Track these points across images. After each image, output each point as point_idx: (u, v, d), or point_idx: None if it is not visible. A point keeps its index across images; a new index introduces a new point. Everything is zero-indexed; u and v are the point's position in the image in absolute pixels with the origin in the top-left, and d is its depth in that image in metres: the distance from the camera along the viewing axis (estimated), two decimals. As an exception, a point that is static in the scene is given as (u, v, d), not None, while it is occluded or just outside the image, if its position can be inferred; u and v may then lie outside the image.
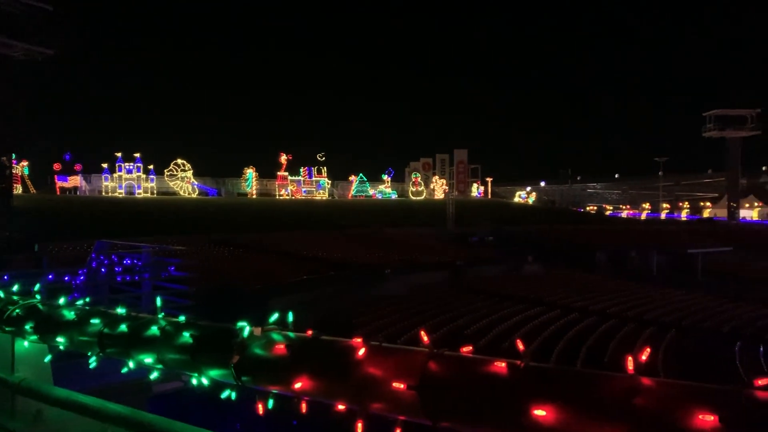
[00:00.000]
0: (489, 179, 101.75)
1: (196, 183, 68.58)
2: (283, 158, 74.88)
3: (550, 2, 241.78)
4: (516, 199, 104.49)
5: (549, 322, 29.88)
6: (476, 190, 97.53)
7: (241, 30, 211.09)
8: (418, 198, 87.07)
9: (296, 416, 2.80)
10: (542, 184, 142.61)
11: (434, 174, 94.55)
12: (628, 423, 1.72)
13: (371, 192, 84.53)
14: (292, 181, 76.07)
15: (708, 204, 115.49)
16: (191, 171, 67.97)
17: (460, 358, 2.18)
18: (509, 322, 28.75)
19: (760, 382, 1.62)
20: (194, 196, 67.23)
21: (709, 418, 1.58)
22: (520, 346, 2.07)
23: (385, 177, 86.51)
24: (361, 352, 2.34)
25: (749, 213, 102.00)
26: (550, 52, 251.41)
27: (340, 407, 2.43)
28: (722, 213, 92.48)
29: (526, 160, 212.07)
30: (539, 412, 1.82)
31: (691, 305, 35.85)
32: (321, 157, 77.00)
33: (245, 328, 2.93)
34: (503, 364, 2.01)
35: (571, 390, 1.87)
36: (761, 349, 27.75)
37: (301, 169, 76.92)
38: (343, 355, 2.43)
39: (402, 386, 2.15)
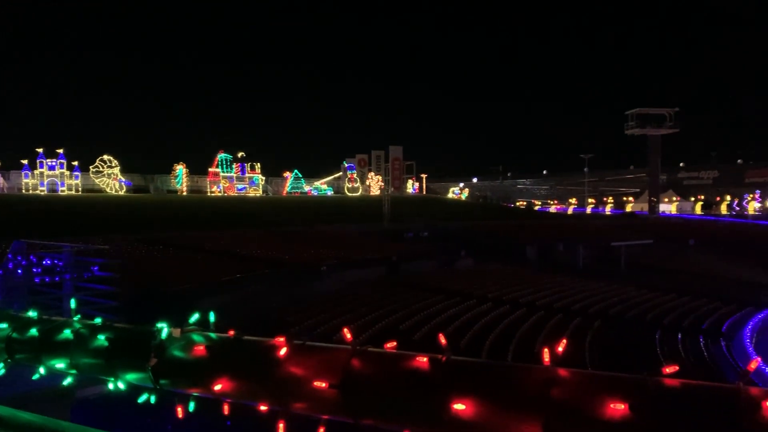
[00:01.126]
0: (424, 176, 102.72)
1: (123, 180, 66.11)
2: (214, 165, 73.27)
3: (477, 3, 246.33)
4: (450, 195, 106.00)
5: (481, 314, 30.51)
6: (411, 187, 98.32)
7: (173, 28, 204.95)
8: (354, 194, 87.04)
9: (229, 417, 2.72)
10: (475, 180, 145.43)
11: (370, 170, 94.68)
12: (543, 413, 1.76)
13: (306, 189, 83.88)
14: (224, 177, 74.48)
15: (630, 199, 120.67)
16: (118, 167, 65.44)
17: (383, 355, 2.17)
18: (443, 316, 29.19)
19: (668, 369, 1.68)
20: (122, 193, 64.80)
21: (619, 407, 1.63)
22: (442, 340, 2.08)
23: (346, 168, 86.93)
24: (283, 351, 2.30)
25: (668, 207, 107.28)
26: (481, 51, 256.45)
27: (263, 408, 2.37)
28: (644, 207, 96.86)
29: (460, 157, 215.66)
30: (459, 406, 1.83)
31: (616, 296, 37.38)
32: (242, 157, 76.02)
33: (163, 329, 2.82)
34: (425, 360, 2.01)
35: (490, 383, 1.90)
36: (679, 336, 29.31)
37: (234, 165, 75.41)
38: (265, 355, 2.37)
39: (324, 385, 2.12)
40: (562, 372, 1.83)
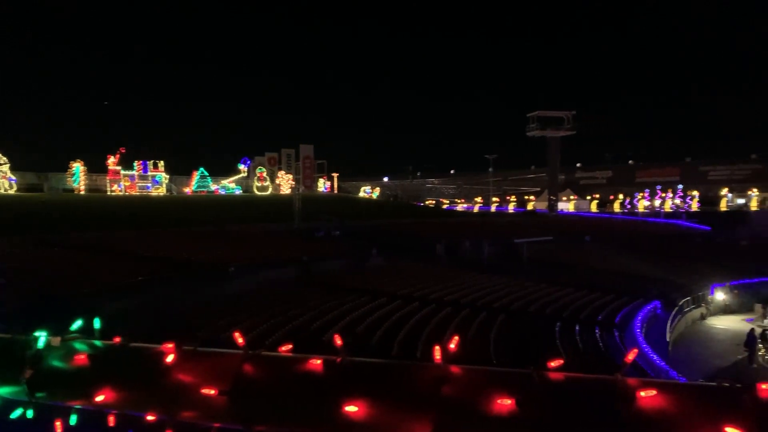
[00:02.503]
0: (335, 174, 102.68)
1: (13, 178, 61.68)
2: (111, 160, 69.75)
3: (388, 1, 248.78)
4: (361, 194, 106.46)
5: (392, 312, 30.79)
6: (322, 186, 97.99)
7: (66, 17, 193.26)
8: (264, 193, 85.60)
9: (114, 429, 2.55)
10: (386, 179, 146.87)
11: (280, 169, 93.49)
12: (434, 411, 1.77)
13: (213, 187, 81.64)
14: (125, 175, 71.15)
15: (532, 197, 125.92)
16: (8, 165, 61.00)
17: (277, 359, 2.10)
18: (354, 315, 29.21)
19: (553, 363, 1.74)
20: (12, 192, 60.44)
21: (506, 402, 1.67)
22: (338, 341, 2.05)
23: (241, 167, 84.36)
24: (170, 358, 2.17)
25: (567, 205, 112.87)
26: (395, 49, 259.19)
27: (150, 418, 2.24)
28: (544, 205, 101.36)
29: (371, 155, 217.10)
30: (351, 408, 1.81)
31: (518, 291, 38.79)
32: (146, 152, 73.20)
33: (41, 338, 2.60)
34: (319, 362, 1.97)
35: (383, 383, 1.89)
36: (577, 328, 30.84)
37: (135, 163, 72.21)
38: (152, 362, 2.24)
39: (213, 392, 2.03)
40: (454, 369, 1.85)
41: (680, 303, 36.40)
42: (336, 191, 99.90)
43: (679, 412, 1.73)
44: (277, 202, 74.18)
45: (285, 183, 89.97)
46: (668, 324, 32.76)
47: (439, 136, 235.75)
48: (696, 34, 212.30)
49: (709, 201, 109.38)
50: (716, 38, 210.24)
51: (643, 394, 1.73)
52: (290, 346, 2.27)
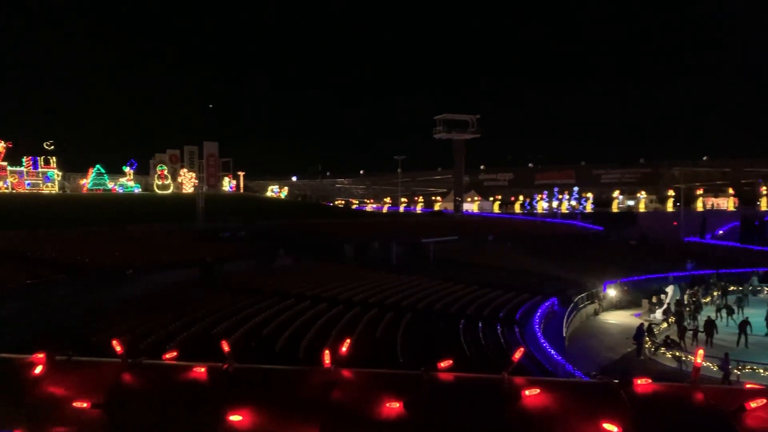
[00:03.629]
0: (241, 173, 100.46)
1: None
2: (1, 145, 64.82)
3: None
4: (269, 194, 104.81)
5: (299, 313, 30.45)
6: (228, 184, 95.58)
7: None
8: (165, 192, 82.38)
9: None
10: (294, 179, 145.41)
11: (182, 167, 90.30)
12: (322, 417, 1.72)
13: (111, 185, 77.71)
14: (12, 172, 66.28)
15: (438, 198, 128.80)
16: None
17: (159, 367, 1.97)
18: (259, 318, 28.64)
19: (443, 364, 1.73)
20: None
21: (394, 405, 1.64)
22: (225, 347, 1.95)
23: (126, 169, 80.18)
24: (38, 369, 1.98)
25: (471, 206, 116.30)
26: (304, 47, 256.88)
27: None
28: (450, 206, 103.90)
29: (279, 154, 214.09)
30: (235, 417, 1.72)
31: (425, 289, 39.50)
32: (48, 146, 68.38)
33: None
34: (203, 369, 1.86)
35: (272, 389, 1.81)
36: (480, 324, 31.77)
37: (24, 159, 67.43)
38: (19, 374, 2.03)
39: (85, 405, 1.87)
40: (344, 373, 1.80)
41: (575, 299, 38.30)
42: (242, 190, 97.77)
43: (560, 410, 1.77)
44: (179, 201, 71.59)
45: (188, 181, 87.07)
46: (565, 319, 34.38)
47: (348, 137, 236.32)
48: (590, 43, 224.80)
49: (602, 203, 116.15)
50: (610, 48, 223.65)
51: (527, 393, 1.76)
52: (175, 354, 2.14)
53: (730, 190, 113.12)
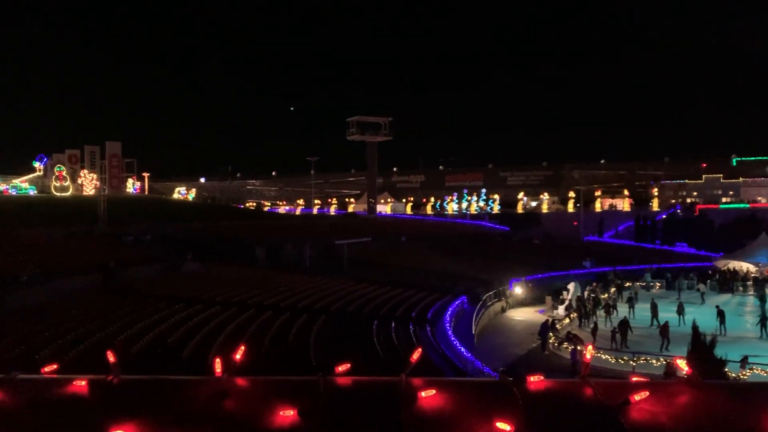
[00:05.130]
0: (146, 174, 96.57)
1: None
2: None
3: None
4: (176, 196, 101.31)
5: (208, 319, 29.58)
6: (132, 186, 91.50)
7: None
8: (63, 194, 77.70)
9: None
10: (203, 180, 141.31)
11: (83, 168, 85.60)
12: (212, 428, 1.63)
13: (3, 187, 72.54)
14: None
15: (352, 200, 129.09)
16: None
17: (35, 382, 1.80)
18: (165, 325, 27.57)
19: (340, 368, 1.70)
20: None
21: (288, 413, 1.59)
22: (111, 358, 1.81)
23: (37, 164, 75.55)
24: None
25: (384, 208, 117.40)
26: (214, 45, 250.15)
27: None
28: (363, 208, 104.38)
29: (186, 155, 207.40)
30: (118, 433, 1.61)
31: (338, 291, 39.45)
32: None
33: None
34: (83, 383, 1.72)
35: (160, 401, 1.71)
36: (393, 324, 32.10)
37: None
38: None
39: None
40: (238, 381, 1.72)
41: (484, 298, 39.47)
42: (147, 192, 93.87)
43: (455, 410, 1.79)
44: (79, 204, 67.74)
45: (88, 183, 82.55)
46: (474, 317, 35.33)
47: (260, 138, 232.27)
48: (495, 51, 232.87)
49: (509, 204, 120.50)
50: (513, 54, 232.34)
51: (423, 394, 1.76)
52: (55, 366, 1.98)
53: (626, 192, 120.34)
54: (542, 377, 2.09)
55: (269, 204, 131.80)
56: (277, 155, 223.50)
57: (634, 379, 2.38)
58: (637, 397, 2.12)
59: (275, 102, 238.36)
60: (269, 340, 26.64)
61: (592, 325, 30.52)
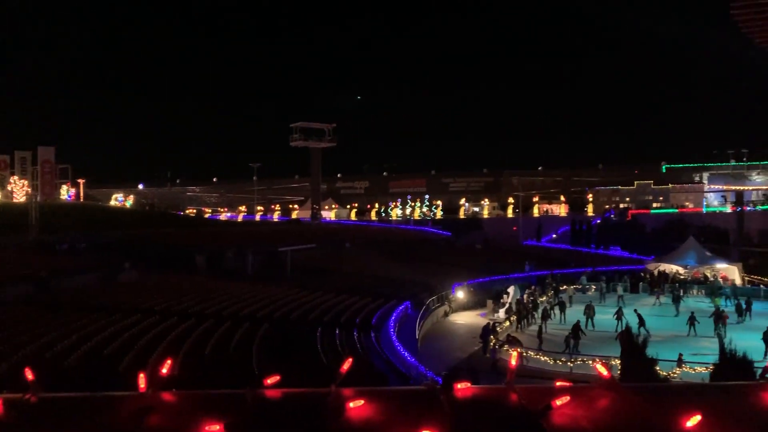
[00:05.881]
0: (81, 181, 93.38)
1: None
2: None
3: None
4: (113, 203, 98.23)
5: (147, 329, 28.72)
6: (66, 193, 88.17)
7: None
8: (-10, 201, 74.08)
9: None
10: (141, 186, 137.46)
11: (13, 174, 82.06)
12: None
13: None
14: None
15: (296, 206, 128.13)
16: None
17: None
18: (101, 336, 26.61)
19: (269, 381, 1.68)
20: None
21: (215, 428, 1.56)
22: (29, 375, 1.74)
23: None
24: None
25: (329, 214, 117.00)
26: (151, 49, 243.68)
27: None
28: (307, 214, 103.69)
29: (124, 161, 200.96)
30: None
31: (281, 298, 39.02)
32: None
33: None
34: (-2, 402, 1.64)
35: (82, 419, 1.65)
36: (337, 331, 31.98)
37: None
38: None
39: None
40: (163, 396, 1.68)
41: (427, 302, 39.82)
42: (82, 199, 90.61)
43: (383, 419, 1.80)
44: (9, 211, 64.71)
45: (19, 190, 79.17)
46: (417, 322, 35.58)
47: (200, 143, 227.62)
48: (435, 58, 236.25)
49: (451, 209, 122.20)
50: (451, 63, 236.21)
51: (351, 405, 1.77)
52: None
53: (562, 198, 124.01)
54: (469, 384, 2.14)
55: (210, 211, 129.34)
56: (219, 161, 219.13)
57: (558, 383, 2.46)
58: (558, 402, 2.19)
59: (216, 107, 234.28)
60: (210, 349, 26.10)
61: (537, 329, 31.08)
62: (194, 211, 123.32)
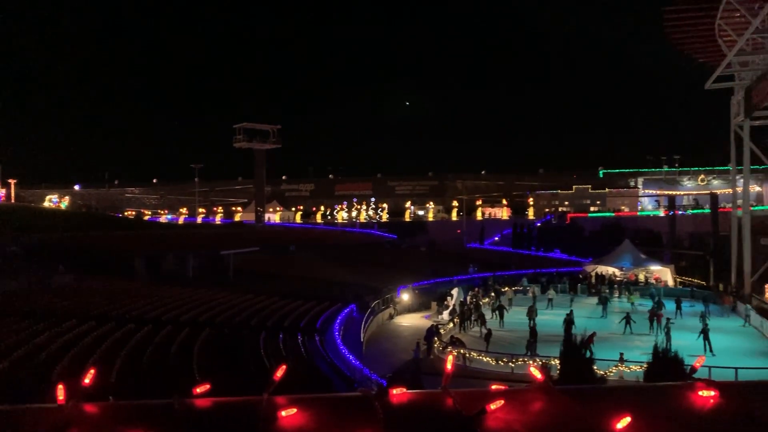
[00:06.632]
0: (12, 181, 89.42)
1: None
2: None
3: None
4: (46, 204, 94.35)
5: (81, 336, 27.68)
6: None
7: None
8: None
9: None
10: (77, 187, 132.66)
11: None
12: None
13: None
14: None
15: (239, 209, 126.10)
16: None
17: None
18: (32, 344, 25.48)
19: (199, 389, 1.62)
20: None
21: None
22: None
23: None
24: None
25: (273, 216, 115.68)
26: (90, 46, 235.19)
27: None
28: (251, 217, 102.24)
29: (59, 161, 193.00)
30: None
31: (224, 303, 38.34)
32: None
33: None
34: None
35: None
36: (281, 335, 31.61)
37: None
38: None
39: None
40: (84, 408, 1.60)
41: (372, 305, 39.80)
42: (14, 201, 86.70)
43: (316, 428, 1.77)
44: (-70, 213, 61.34)
45: (-57, 191, 75.09)
46: (362, 325, 35.51)
47: (141, 143, 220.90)
48: (384, 64, 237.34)
49: (397, 212, 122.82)
50: (397, 68, 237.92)
51: (284, 413, 1.73)
52: None
53: (504, 201, 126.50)
54: (405, 389, 2.13)
55: (150, 213, 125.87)
56: (160, 162, 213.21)
57: (493, 387, 2.48)
58: (492, 406, 2.21)
59: (157, 106, 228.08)
60: (149, 355, 25.38)
61: (485, 332, 31.35)
62: (134, 213, 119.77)
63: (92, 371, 1.84)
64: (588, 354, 24.40)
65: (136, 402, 1.65)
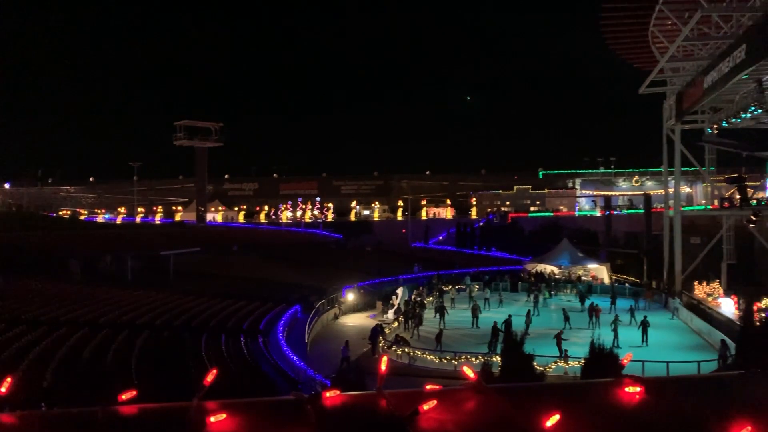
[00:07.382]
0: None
1: None
2: None
3: None
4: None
5: (10, 341, 26.44)
6: None
7: None
8: None
9: None
10: (7, 186, 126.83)
11: None
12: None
13: None
14: None
15: (180, 208, 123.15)
16: None
17: None
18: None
19: (124, 396, 1.58)
20: None
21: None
22: None
23: None
24: None
25: (215, 216, 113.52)
26: (27, 39, 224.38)
27: None
28: (192, 216, 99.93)
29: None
30: None
31: (164, 305, 37.41)
32: None
33: None
34: None
35: None
36: (223, 337, 31.09)
37: None
38: None
39: None
40: (2, 418, 1.52)
41: (317, 305, 39.65)
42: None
43: (246, 433, 1.76)
44: None
45: None
46: (307, 325, 35.34)
47: (75, 139, 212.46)
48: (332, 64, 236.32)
49: (342, 212, 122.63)
50: (348, 69, 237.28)
51: (213, 419, 1.70)
52: None
53: (448, 201, 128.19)
54: (338, 392, 2.13)
55: (86, 212, 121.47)
56: (96, 159, 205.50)
57: (428, 387, 2.51)
58: (426, 407, 2.24)
59: (94, 100, 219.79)
60: (84, 361, 24.48)
61: (437, 331, 31.63)
62: (69, 212, 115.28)
63: (8, 379, 1.75)
64: (559, 352, 25.30)
65: (58, 411, 1.58)
